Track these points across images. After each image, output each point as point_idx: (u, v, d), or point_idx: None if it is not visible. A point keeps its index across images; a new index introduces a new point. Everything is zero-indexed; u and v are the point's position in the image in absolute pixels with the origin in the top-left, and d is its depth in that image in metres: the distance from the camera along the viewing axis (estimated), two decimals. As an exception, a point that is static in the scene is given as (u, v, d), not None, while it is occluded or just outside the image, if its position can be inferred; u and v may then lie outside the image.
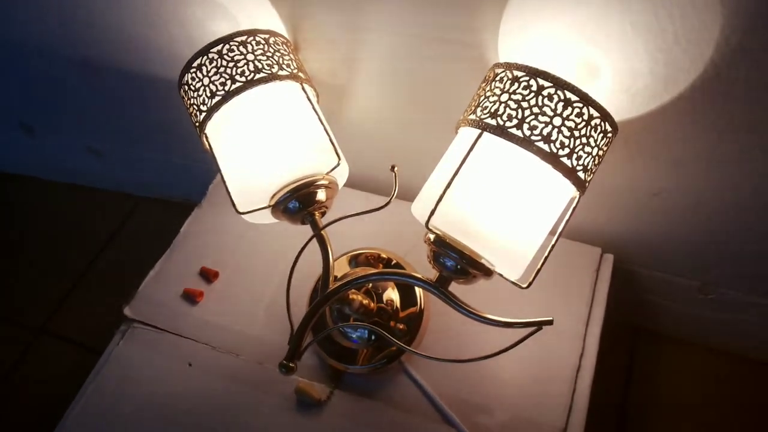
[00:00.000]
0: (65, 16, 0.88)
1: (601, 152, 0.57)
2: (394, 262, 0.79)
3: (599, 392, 0.87)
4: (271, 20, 0.73)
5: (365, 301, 0.70)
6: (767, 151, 0.63)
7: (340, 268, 0.81)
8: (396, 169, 0.64)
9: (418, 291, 0.75)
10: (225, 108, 0.65)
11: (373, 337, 0.72)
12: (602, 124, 0.55)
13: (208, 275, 0.84)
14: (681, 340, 0.96)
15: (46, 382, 1.06)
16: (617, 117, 0.65)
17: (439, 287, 0.60)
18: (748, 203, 0.70)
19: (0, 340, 1.13)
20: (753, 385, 0.92)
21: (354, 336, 0.73)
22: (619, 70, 0.60)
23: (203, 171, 1.06)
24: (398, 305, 0.74)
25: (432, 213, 0.55)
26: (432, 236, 0.58)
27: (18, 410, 1.04)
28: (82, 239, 1.27)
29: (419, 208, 0.59)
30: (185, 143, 1.08)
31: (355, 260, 0.81)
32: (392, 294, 0.74)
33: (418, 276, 0.61)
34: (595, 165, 0.57)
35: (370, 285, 0.74)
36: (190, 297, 0.82)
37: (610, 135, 0.57)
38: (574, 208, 0.58)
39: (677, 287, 0.87)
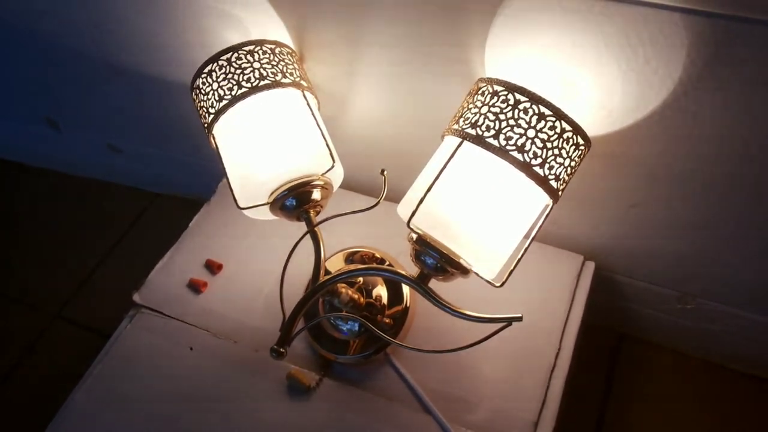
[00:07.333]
0: (94, 21, 0.94)
1: (573, 163, 0.61)
2: (387, 263, 0.84)
3: (580, 394, 0.91)
4: (280, 31, 0.79)
5: (355, 296, 0.75)
6: (735, 173, 0.67)
7: (337, 264, 0.85)
8: (386, 173, 0.69)
9: (406, 289, 0.80)
10: (231, 111, 0.71)
11: (361, 330, 0.77)
12: (574, 137, 0.60)
13: (212, 267, 0.89)
14: (663, 347, 0.99)
15: (58, 366, 1.12)
16: (596, 132, 0.69)
17: (420, 283, 0.64)
18: (722, 217, 0.74)
19: (16, 323, 1.20)
20: (733, 395, 0.95)
21: (344, 328, 0.78)
22: (596, 87, 0.64)
23: (216, 170, 1.11)
24: (386, 302, 0.79)
25: (413, 213, 0.60)
26: (414, 236, 0.63)
27: (29, 392, 1.10)
28: (100, 232, 1.33)
29: (404, 208, 0.64)
30: (199, 143, 1.14)
31: (351, 258, 0.86)
32: (381, 291, 0.79)
33: (402, 272, 0.66)
34: (567, 175, 0.62)
35: (361, 281, 0.79)
36: (195, 287, 0.87)
37: (582, 148, 0.61)
38: (547, 215, 0.63)
39: (657, 296, 0.90)
